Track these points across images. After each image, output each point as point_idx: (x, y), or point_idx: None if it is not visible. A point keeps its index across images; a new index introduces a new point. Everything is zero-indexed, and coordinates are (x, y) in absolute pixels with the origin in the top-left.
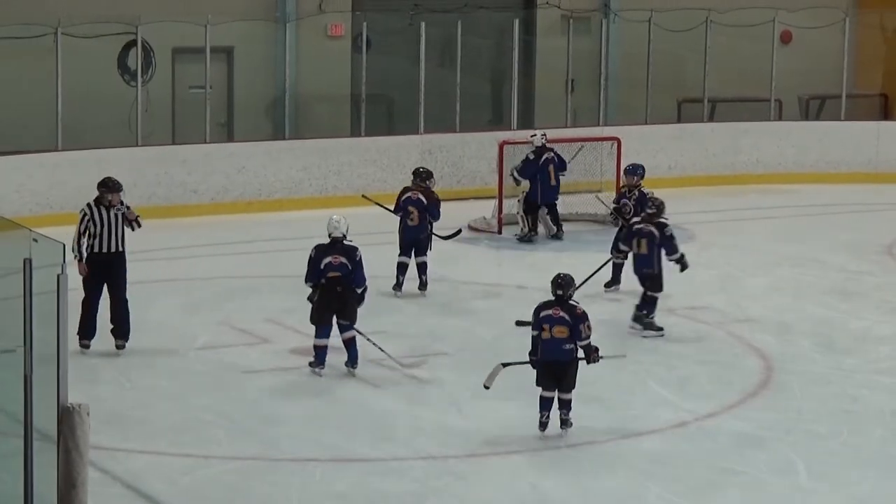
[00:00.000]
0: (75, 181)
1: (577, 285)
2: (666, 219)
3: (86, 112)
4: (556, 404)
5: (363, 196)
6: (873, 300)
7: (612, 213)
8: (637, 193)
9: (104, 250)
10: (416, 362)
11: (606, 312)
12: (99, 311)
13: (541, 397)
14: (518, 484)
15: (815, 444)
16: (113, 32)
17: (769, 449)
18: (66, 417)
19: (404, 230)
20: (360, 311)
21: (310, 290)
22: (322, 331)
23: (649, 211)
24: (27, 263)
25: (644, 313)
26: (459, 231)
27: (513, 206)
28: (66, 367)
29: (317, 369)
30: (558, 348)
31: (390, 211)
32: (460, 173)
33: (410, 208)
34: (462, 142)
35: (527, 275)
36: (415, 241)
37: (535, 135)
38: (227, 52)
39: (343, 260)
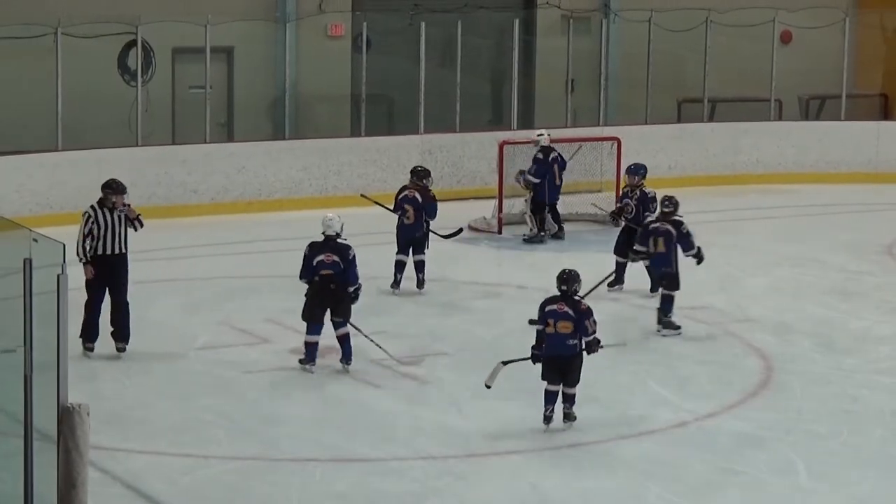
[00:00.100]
0: (75, 181)
1: (588, 290)
2: (681, 216)
3: (86, 112)
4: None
5: (362, 195)
6: (873, 300)
7: (610, 215)
8: (639, 193)
9: (108, 252)
10: (414, 360)
11: (607, 312)
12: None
13: (545, 391)
14: (518, 484)
15: (815, 444)
16: (113, 32)
17: (769, 449)
18: (66, 417)
19: (401, 228)
20: (360, 311)
21: (307, 288)
22: (313, 328)
23: (665, 209)
24: (27, 263)
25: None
26: (461, 230)
27: (513, 206)
28: (66, 367)
29: (307, 366)
30: (562, 343)
31: (389, 210)
32: (460, 173)
33: (406, 206)
34: (462, 142)
35: (527, 275)
36: (412, 239)
37: (542, 134)
38: (227, 52)
39: (335, 258)
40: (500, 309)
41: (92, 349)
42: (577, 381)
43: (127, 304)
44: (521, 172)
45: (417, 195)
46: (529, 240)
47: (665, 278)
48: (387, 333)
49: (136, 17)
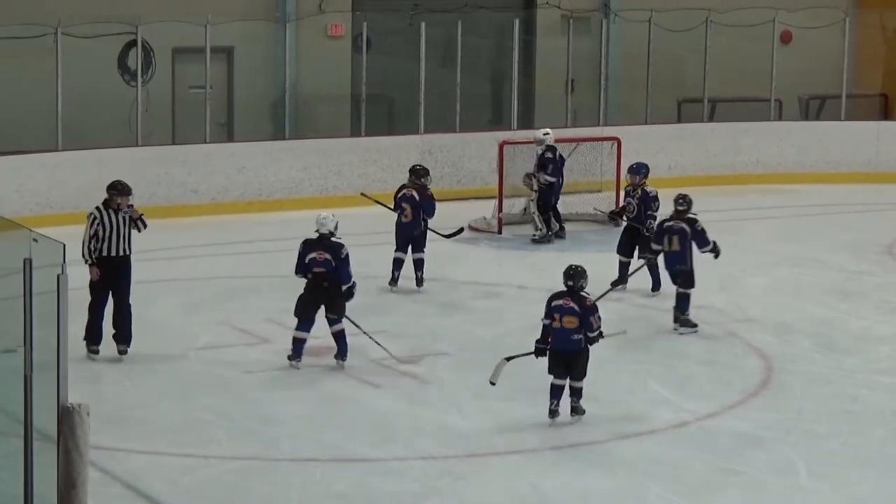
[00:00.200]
0: (75, 181)
1: (597, 297)
2: (695, 214)
3: (86, 112)
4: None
5: (362, 194)
6: (873, 300)
7: (609, 216)
8: (641, 192)
9: (112, 254)
10: (413, 359)
11: (609, 311)
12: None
13: (552, 385)
14: (518, 484)
15: (815, 444)
16: (113, 32)
17: (769, 449)
18: (66, 417)
19: (399, 226)
20: (360, 310)
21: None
22: (303, 324)
23: (679, 207)
24: (27, 263)
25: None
26: (461, 230)
27: (513, 206)
28: (66, 367)
29: (294, 362)
30: (567, 338)
31: (390, 209)
32: (460, 173)
33: (404, 205)
34: (462, 142)
35: (527, 275)
36: (410, 237)
37: (547, 133)
38: (228, 52)
39: (327, 256)
40: (500, 309)
41: (97, 352)
42: (584, 374)
43: (129, 306)
44: (529, 175)
45: (415, 193)
46: (539, 240)
47: (680, 276)
48: (387, 333)
49: (136, 17)
